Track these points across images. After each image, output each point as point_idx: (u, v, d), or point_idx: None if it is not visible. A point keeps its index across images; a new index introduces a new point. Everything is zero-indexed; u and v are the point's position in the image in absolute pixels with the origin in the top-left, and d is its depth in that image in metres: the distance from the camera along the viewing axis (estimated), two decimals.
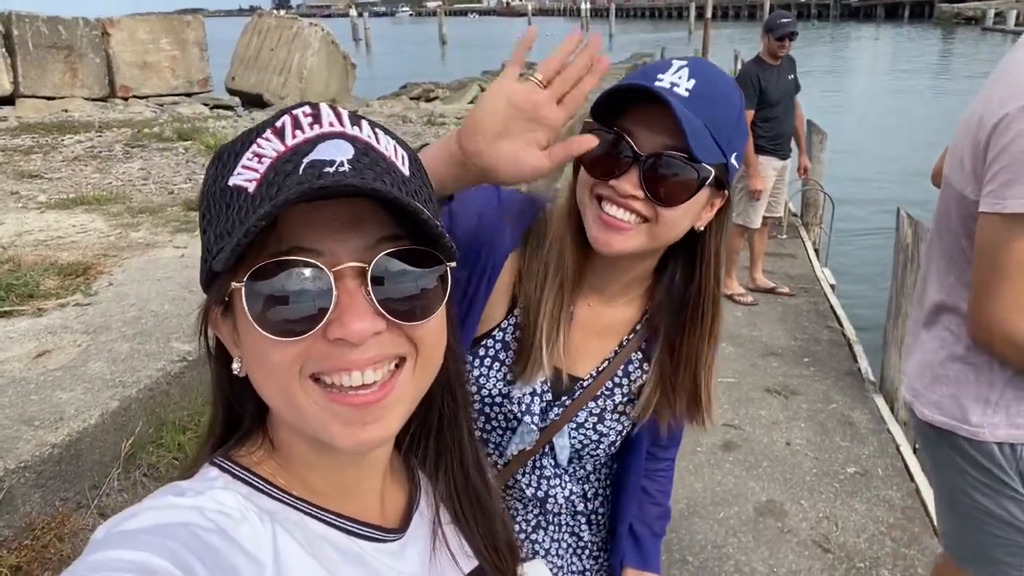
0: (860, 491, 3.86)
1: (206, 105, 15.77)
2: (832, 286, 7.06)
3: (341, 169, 0.64)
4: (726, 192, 1.15)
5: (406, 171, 0.72)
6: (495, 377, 1.25)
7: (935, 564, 2.30)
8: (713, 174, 1.07)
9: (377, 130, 0.73)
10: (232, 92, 18.01)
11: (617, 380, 1.31)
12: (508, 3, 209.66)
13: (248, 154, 0.67)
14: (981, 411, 1.77)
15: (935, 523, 3.58)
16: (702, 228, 1.16)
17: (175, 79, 16.63)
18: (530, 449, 1.30)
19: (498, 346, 1.25)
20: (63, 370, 2.59)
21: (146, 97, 15.85)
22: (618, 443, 1.36)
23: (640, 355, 1.31)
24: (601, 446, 1.33)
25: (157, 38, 16.24)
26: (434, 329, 0.74)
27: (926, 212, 5.68)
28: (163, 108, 14.34)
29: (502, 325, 1.24)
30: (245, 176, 0.66)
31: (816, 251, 8.25)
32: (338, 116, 0.70)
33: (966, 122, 1.74)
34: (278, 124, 0.68)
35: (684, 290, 1.24)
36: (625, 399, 1.32)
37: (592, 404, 1.30)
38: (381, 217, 0.68)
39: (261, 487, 0.73)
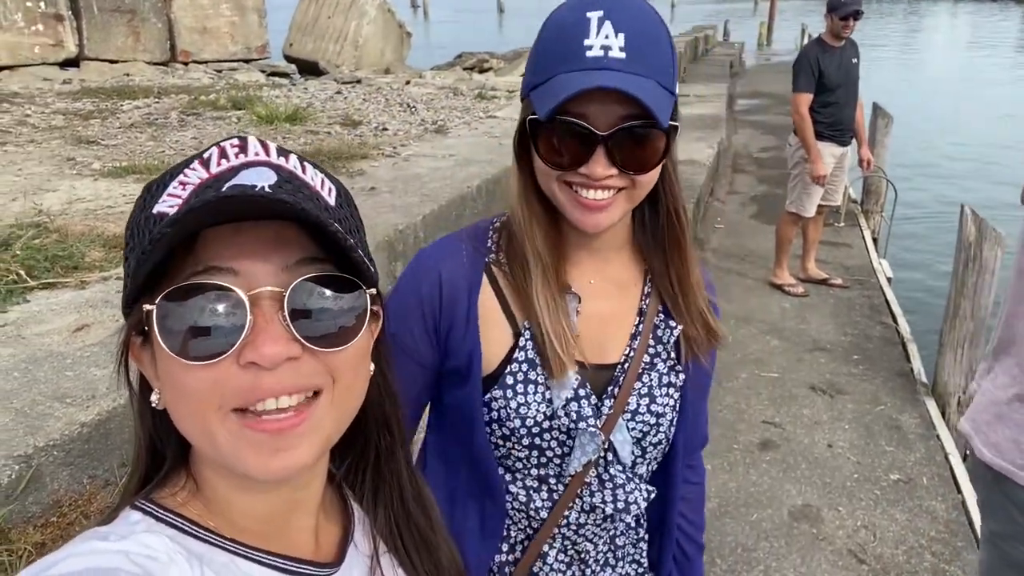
0: (902, 500, 3.72)
1: (263, 72, 15.94)
2: (889, 279, 6.79)
3: (262, 193, 0.65)
4: (676, 123, 1.12)
5: (331, 201, 0.74)
6: (534, 400, 1.17)
7: None
8: (678, 125, 1.06)
9: (305, 163, 0.74)
10: (289, 59, 18.16)
11: (653, 349, 1.24)
12: None
13: (174, 183, 0.68)
14: None
15: (979, 539, 3.43)
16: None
17: (234, 45, 16.83)
18: (593, 458, 1.21)
19: (524, 367, 1.18)
20: (100, 345, 2.64)
21: (205, 63, 16.10)
22: (673, 424, 1.27)
23: (662, 313, 1.24)
24: (661, 429, 1.24)
25: (217, 4, 16.43)
26: (352, 357, 0.73)
27: (993, 208, 5.38)
28: (221, 74, 14.56)
29: (519, 344, 1.18)
30: (168, 203, 0.67)
31: (875, 241, 7.95)
32: (264, 148, 0.72)
33: None
34: (206, 155, 0.70)
35: (653, 219, 1.21)
36: (667, 367, 1.24)
37: (639, 385, 1.22)
38: (303, 241, 0.69)
39: (187, 528, 0.72)
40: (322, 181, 0.74)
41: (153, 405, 0.72)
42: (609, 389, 1.21)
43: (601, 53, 0.99)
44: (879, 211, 8.38)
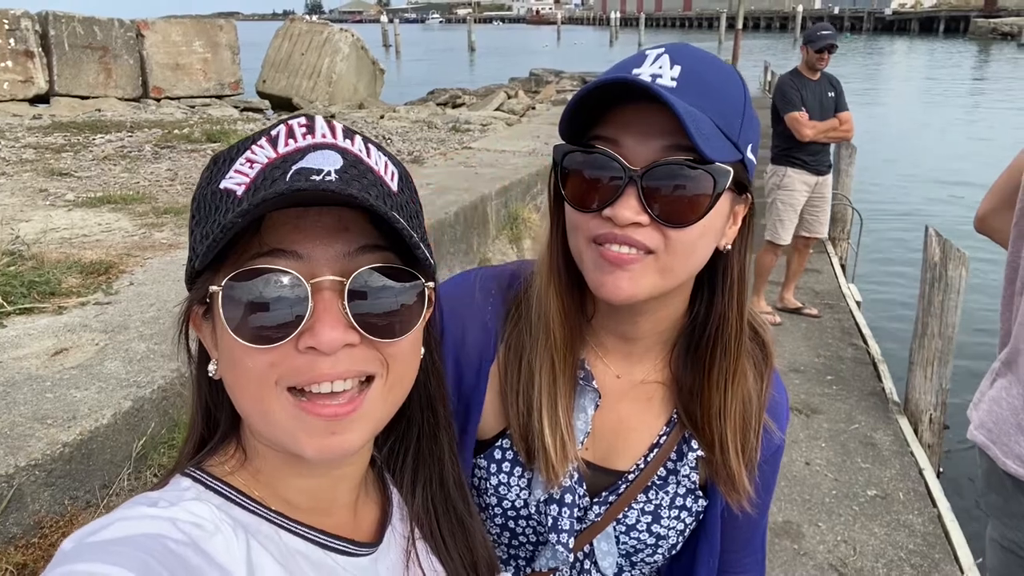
0: (880, 515, 3.77)
1: (236, 108, 15.99)
2: (858, 303, 6.94)
3: (328, 178, 0.65)
4: (748, 195, 0.94)
5: (394, 186, 0.73)
6: (516, 484, 1.05)
7: None
8: (732, 174, 0.86)
9: (370, 145, 0.74)
10: (262, 95, 18.25)
11: (672, 466, 1.06)
12: (538, 11, 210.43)
13: (241, 159, 0.69)
14: None
15: (956, 551, 3.48)
16: (728, 246, 0.95)
17: (207, 81, 16.89)
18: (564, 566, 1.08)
19: (514, 447, 1.05)
20: (79, 368, 2.61)
21: (178, 98, 16.11)
22: (680, 544, 1.10)
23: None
24: (659, 551, 1.08)
25: (190, 40, 16.52)
26: (408, 347, 0.75)
27: (954, 229, 5.56)
28: (194, 110, 14.56)
29: (508, 430, 1.06)
30: (236, 180, 0.68)
31: (843, 267, 8.12)
32: (331, 129, 0.72)
33: None
34: (273, 133, 0.70)
35: (703, 323, 1.00)
36: (686, 491, 1.06)
37: (643, 500, 1.06)
38: (364, 228, 0.70)
39: (234, 498, 0.73)
40: (385, 165, 0.74)
41: (210, 375, 0.73)
42: (604, 495, 1.06)
43: (648, 78, 0.84)
44: (846, 238, 8.58)
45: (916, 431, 4.70)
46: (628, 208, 0.84)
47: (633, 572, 1.11)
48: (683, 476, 1.06)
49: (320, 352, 0.66)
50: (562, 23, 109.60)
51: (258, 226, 0.66)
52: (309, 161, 0.67)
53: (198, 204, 0.71)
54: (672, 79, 0.84)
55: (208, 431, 0.79)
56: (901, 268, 9.13)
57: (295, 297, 0.66)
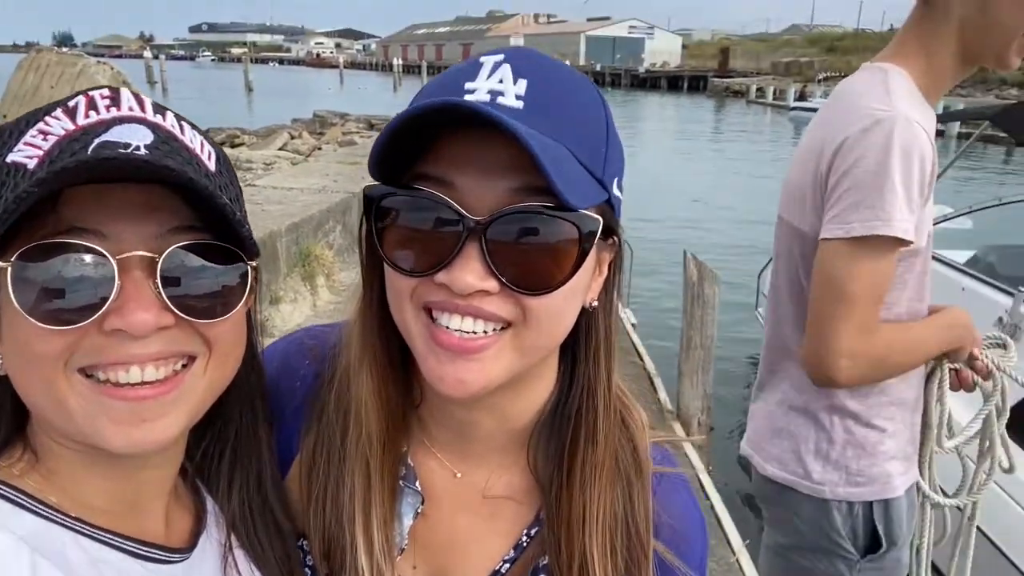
0: None
1: None
2: (634, 325, 7.61)
3: (137, 153, 0.61)
4: (615, 238, 0.77)
5: (211, 166, 0.69)
6: None
7: None
8: (601, 222, 0.69)
9: (183, 123, 0.70)
10: None
11: None
12: (318, 55, 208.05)
13: (33, 131, 0.63)
14: (822, 468, 1.74)
15: (727, 536, 3.92)
16: (594, 302, 0.77)
17: None
18: None
19: (317, 565, 0.84)
20: None
21: None
22: None
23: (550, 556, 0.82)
24: None
25: None
26: (231, 328, 0.71)
27: (706, 253, 6.31)
28: None
29: (305, 547, 0.86)
30: (26, 152, 0.62)
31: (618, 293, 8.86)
32: (140, 102, 0.67)
33: (802, 158, 1.71)
34: (71, 104, 0.65)
35: (565, 402, 0.81)
36: None
37: None
38: (177, 207, 0.65)
39: (24, 503, 0.65)
40: (201, 144, 0.70)
41: None
42: None
43: (486, 98, 0.66)
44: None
45: (688, 433, 5.24)
46: (470, 272, 0.65)
47: None
48: None
49: (129, 335, 0.62)
50: (344, 67, 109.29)
51: (54, 203, 0.60)
52: (115, 134, 0.62)
53: None
54: (517, 97, 0.66)
55: None
56: (664, 293, 10.17)
57: (99, 275, 0.60)
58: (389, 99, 56.35)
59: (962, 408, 1.95)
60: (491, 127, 0.61)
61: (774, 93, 59.00)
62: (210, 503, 0.84)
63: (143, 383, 0.64)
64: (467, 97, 0.66)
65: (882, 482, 1.75)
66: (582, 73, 0.75)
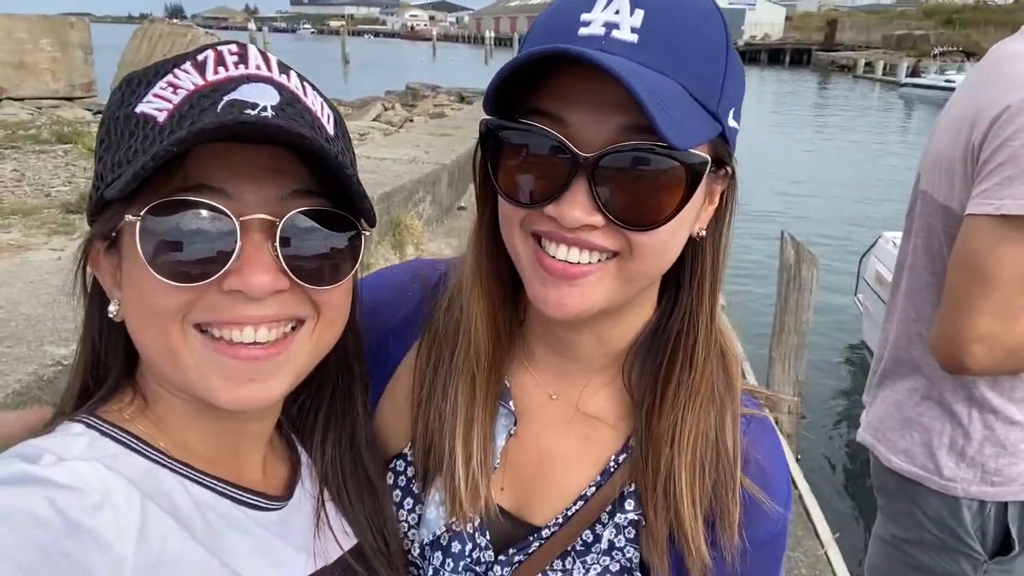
0: None
1: (89, 110, 14.91)
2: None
3: (264, 114, 0.62)
4: (727, 168, 0.76)
5: (331, 130, 0.70)
6: (405, 521, 0.88)
7: None
8: (709, 161, 0.70)
9: (306, 83, 0.70)
10: None
11: (602, 529, 0.83)
12: (412, 27, 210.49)
13: (162, 83, 0.64)
14: (955, 465, 1.64)
15: (816, 527, 3.77)
16: (702, 232, 0.78)
17: (55, 82, 15.64)
18: None
19: (410, 471, 0.88)
20: None
21: (22, 99, 14.82)
22: None
23: (635, 484, 0.84)
24: None
25: (36, 38, 15.26)
26: (340, 294, 0.72)
27: (807, 234, 6.04)
28: (42, 111, 13.45)
29: (407, 454, 0.90)
30: (155, 104, 0.63)
31: None
32: (266, 61, 0.67)
33: (951, 127, 1.58)
34: (200, 57, 0.65)
35: (665, 327, 0.82)
36: (619, 567, 0.83)
37: (559, 567, 0.83)
38: (298, 170, 0.66)
39: (135, 446, 0.67)
40: (322, 106, 0.70)
41: (111, 316, 0.68)
42: (512, 552, 0.84)
43: (600, 31, 0.66)
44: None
45: (776, 420, 5.06)
46: (577, 207, 0.67)
47: None
48: (615, 548, 0.83)
49: (245, 296, 0.63)
50: (437, 39, 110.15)
51: (181, 159, 0.61)
52: (243, 93, 0.62)
53: (108, 128, 0.65)
54: (632, 30, 0.66)
55: (94, 376, 0.73)
56: (761, 271, 9.82)
57: (222, 236, 0.61)
58: (480, 71, 56.48)
59: None
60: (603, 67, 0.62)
61: (884, 68, 55.80)
62: (304, 457, 0.87)
63: (255, 343, 0.65)
64: (582, 31, 0.67)
65: (1021, 482, 1.63)
66: None
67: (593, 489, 0.84)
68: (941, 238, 1.60)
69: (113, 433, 0.67)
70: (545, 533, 0.84)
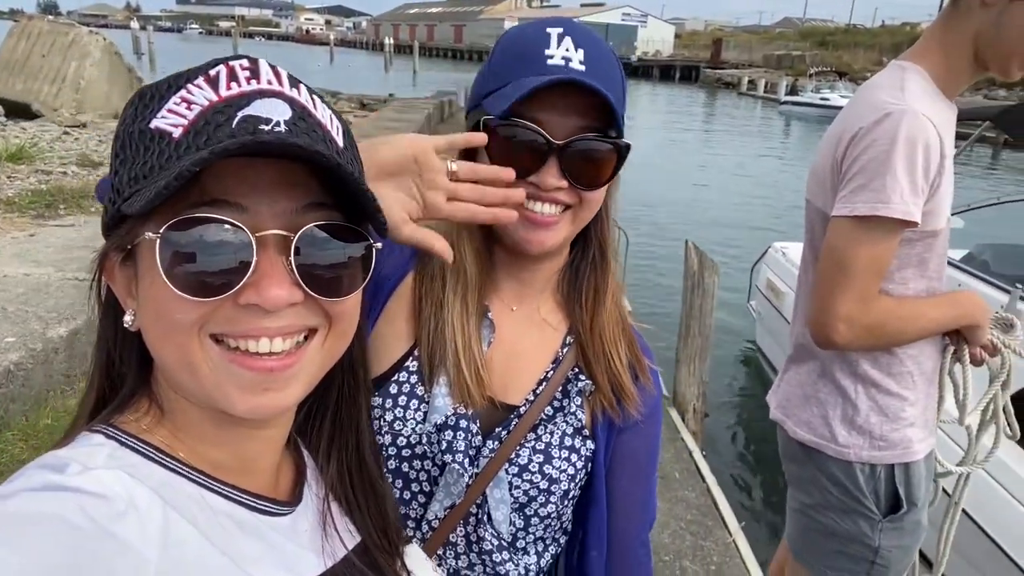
0: (661, 492, 4.22)
1: None
2: (630, 312, 7.68)
3: (277, 129, 0.63)
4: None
5: (340, 142, 0.72)
6: (412, 419, 1.07)
7: (777, 558, 2.52)
8: (630, 144, 1.04)
9: (315, 96, 0.72)
10: None
11: (558, 403, 1.13)
12: (308, 31, 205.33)
13: (175, 98, 0.64)
14: (847, 433, 1.91)
15: (724, 518, 4.02)
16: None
17: None
18: (459, 508, 1.08)
19: (413, 379, 1.09)
20: None
21: None
22: (573, 497, 1.14)
23: (579, 368, 1.15)
24: (552, 499, 1.10)
25: None
26: (352, 305, 0.74)
27: (706, 242, 6.41)
28: None
29: (414, 354, 1.10)
30: (170, 120, 0.63)
31: None
32: (277, 75, 0.68)
33: (825, 144, 1.89)
34: (212, 72, 0.66)
35: (583, 255, 1.17)
36: (573, 430, 1.12)
37: (533, 438, 1.10)
38: (311, 184, 0.67)
39: (155, 457, 0.68)
40: (331, 118, 0.71)
41: (126, 326, 0.69)
42: (498, 430, 1.10)
43: (562, 62, 0.98)
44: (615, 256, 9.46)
45: (683, 419, 5.34)
46: (551, 175, 1.00)
47: (528, 533, 1.12)
48: (570, 414, 1.12)
49: (262, 309, 0.65)
50: (335, 45, 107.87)
51: (198, 174, 0.61)
52: (256, 108, 0.63)
53: (122, 142, 0.66)
54: (580, 63, 0.98)
55: (110, 383, 0.74)
56: (662, 280, 10.25)
57: (239, 250, 0.63)
58: (380, 78, 55.84)
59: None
60: (576, 85, 0.94)
61: (766, 86, 59.10)
62: (309, 460, 0.89)
63: (270, 353, 0.67)
64: (549, 62, 0.98)
65: (903, 447, 1.90)
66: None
67: (552, 371, 1.14)
68: (821, 238, 1.87)
69: (132, 444, 0.68)
70: (522, 411, 1.11)
